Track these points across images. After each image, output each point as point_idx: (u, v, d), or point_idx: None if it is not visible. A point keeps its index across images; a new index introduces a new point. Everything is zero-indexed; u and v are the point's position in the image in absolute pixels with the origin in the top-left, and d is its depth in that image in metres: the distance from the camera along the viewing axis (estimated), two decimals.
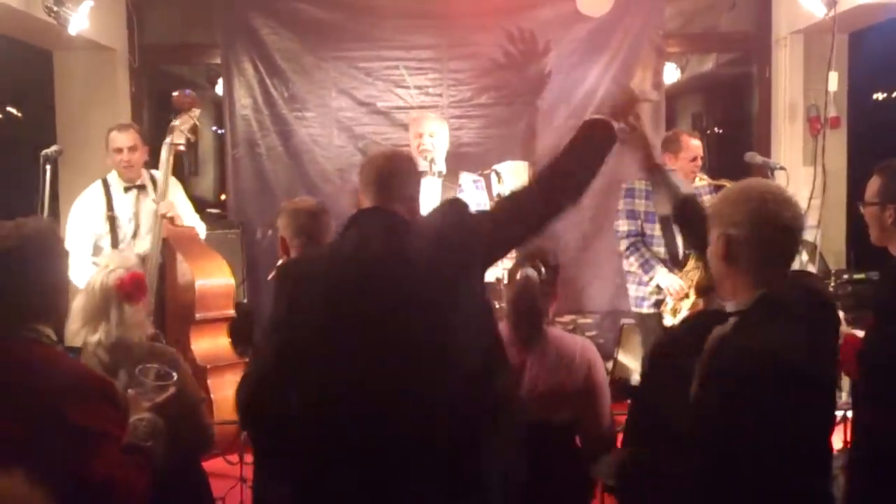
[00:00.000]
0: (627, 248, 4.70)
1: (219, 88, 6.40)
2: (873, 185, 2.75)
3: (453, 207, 2.30)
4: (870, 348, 2.57)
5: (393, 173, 2.27)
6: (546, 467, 2.46)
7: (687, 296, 4.57)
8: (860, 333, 2.72)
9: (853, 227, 5.83)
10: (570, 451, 2.76)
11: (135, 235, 4.35)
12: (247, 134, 6.00)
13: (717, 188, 4.71)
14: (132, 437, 2.01)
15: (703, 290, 4.41)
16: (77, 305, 2.49)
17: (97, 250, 4.28)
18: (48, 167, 3.96)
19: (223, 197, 6.69)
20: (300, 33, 5.93)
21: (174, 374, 2.20)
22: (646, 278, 4.68)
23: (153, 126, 6.13)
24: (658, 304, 4.70)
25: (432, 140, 4.15)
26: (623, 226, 4.76)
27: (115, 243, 4.29)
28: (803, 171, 5.77)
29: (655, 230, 4.67)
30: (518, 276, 2.74)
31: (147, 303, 2.71)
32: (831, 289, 5.41)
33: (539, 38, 5.87)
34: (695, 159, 4.63)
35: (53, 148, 4.06)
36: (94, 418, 1.87)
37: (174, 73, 7.11)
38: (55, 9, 4.63)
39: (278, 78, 5.96)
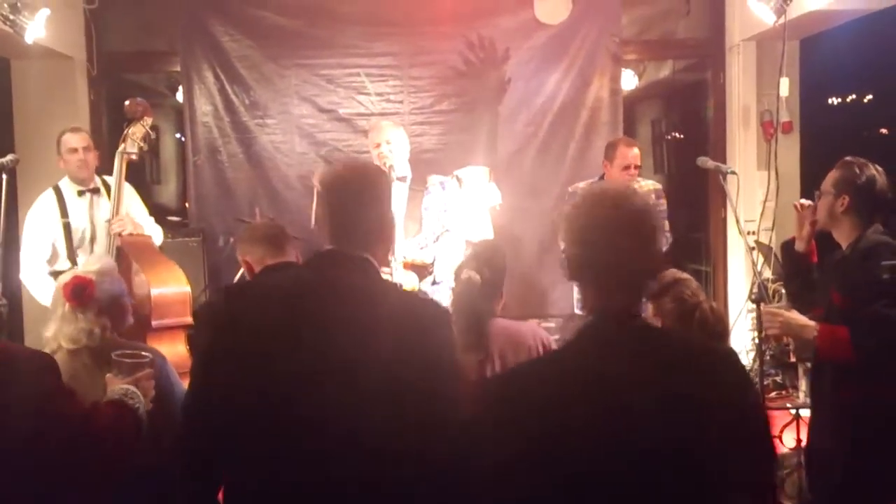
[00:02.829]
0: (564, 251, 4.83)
1: (179, 96, 6.38)
2: (831, 177, 3.03)
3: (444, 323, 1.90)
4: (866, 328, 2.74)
5: (358, 209, 1.91)
6: None
7: None
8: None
9: None
10: None
11: (92, 240, 4.37)
12: (208, 141, 5.98)
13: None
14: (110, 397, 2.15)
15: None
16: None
17: (54, 257, 4.33)
18: (4, 176, 3.93)
19: (187, 205, 6.69)
20: (260, 40, 5.93)
21: (148, 355, 2.36)
22: None
23: (113, 134, 6.06)
24: None
25: (389, 147, 4.26)
26: None
27: (70, 250, 4.32)
28: (757, 174, 5.89)
29: None
30: (462, 277, 2.79)
31: (112, 313, 2.69)
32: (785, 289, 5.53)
33: (498, 46, 5.94)
34: (627, 168, 4.72)
35: (9, 157, 4.02)
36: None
37: (133, 80, 7.08)
38: (11, 17, 4.57)
39: (239, 85, 5.95)
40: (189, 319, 4.06)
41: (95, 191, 4.44)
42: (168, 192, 8.29)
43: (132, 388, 2.20)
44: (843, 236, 3.00)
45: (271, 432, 1.76)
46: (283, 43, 5.94)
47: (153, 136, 4.70)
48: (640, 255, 1.61)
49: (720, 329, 2.67)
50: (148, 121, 4.43)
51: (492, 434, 1.56)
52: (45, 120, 5.77)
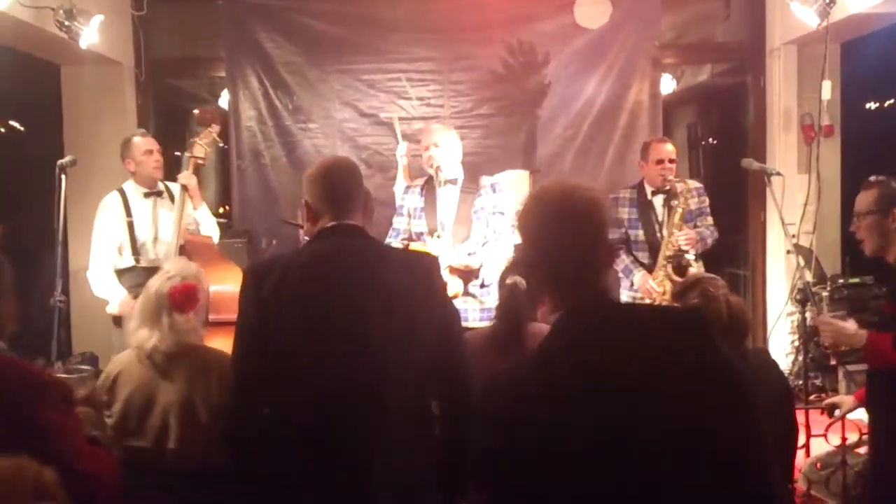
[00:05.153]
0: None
1: (222, 101, 6.49)
2: (867, 198, 2.94)
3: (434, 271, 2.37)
4: None
5: (348, 189, 2.33)
6: None
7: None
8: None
9: (847, 233, 5.95)
10: None
11: (154, 241, 4.49)
12: (251, 145, 6.10)
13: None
14: (86, 430, 2.09)
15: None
16: (136, 306, 2.65)
17: (118, 254, 4.46)
18: (64, 176, 4.05)
19: (222, 209, 6.81)
20: (304, 46, 6.04)
21: (89, 368, 2.29)
22: (627, 282, 4.91)
23: (159, 138, 6.16)
24: None
25: (437, 150, 4.33)
26: (610, 234, 4.97)
27: (133, 248, 4.46)
28: (798, 178, 5.88)
29: (639, 236, 4.90)
30: (507, 283, 2.87)
31: (201, 311, 2.81)
32: (826, 293, 5.52)
33: (538, 50, 5.99)
34: (661, 162, 4.77)
35: (69, 158, 4.16)
36: (64, 417, 1.93)
37: (180, 86, 7.21)
38: (66, 23, 4.72)
39: (282, 90, 6.07)
40: None
41: (159, 194, 4.57)
42: (207, 195, 8.39)
43: (89, 409, 2.18)
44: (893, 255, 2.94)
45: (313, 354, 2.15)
46: (326, 49, 6.04)
47: (220, 142, 4.90)
48: (592, 249, 1.65)
49: (736, 326, 2.56)
50: (216, 128, 4.63)
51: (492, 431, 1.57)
52: (94, 124, 5.92)
